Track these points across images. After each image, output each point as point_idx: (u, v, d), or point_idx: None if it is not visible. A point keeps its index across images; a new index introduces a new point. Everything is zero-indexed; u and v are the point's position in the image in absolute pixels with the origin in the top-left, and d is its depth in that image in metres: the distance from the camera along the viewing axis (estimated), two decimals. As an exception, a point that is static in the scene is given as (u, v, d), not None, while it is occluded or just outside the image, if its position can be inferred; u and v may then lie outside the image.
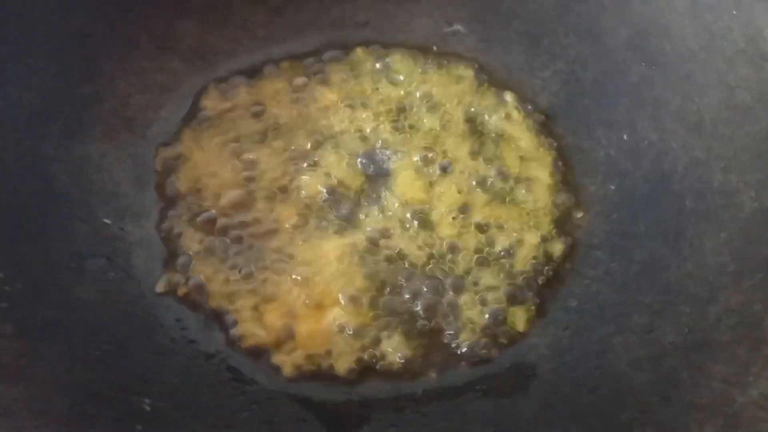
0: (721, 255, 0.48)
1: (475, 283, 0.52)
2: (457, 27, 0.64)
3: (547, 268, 0.53)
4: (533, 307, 0.51)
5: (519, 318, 0.51)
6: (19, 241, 0.47)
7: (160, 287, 0.51)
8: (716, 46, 0.53)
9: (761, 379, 0.41)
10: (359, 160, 0.57)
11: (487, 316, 0.50)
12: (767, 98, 0.50)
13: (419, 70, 0.62)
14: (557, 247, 0.54)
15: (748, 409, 0.40)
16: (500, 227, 0.54)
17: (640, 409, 0.43)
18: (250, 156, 0.57)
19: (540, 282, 0.52)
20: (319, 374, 0.48)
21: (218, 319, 0.50)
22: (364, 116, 0.59)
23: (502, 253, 0.53)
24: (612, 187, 0.56)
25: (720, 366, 0.43)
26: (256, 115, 0.59)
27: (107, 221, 0.52)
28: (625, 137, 0.57)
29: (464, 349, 0.49)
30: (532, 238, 0.54)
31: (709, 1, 0.54)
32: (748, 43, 0.52)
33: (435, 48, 0.63)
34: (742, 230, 0.48)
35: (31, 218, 0.48)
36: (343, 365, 0.48)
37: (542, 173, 0.57)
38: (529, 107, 0.60)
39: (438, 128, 0.59)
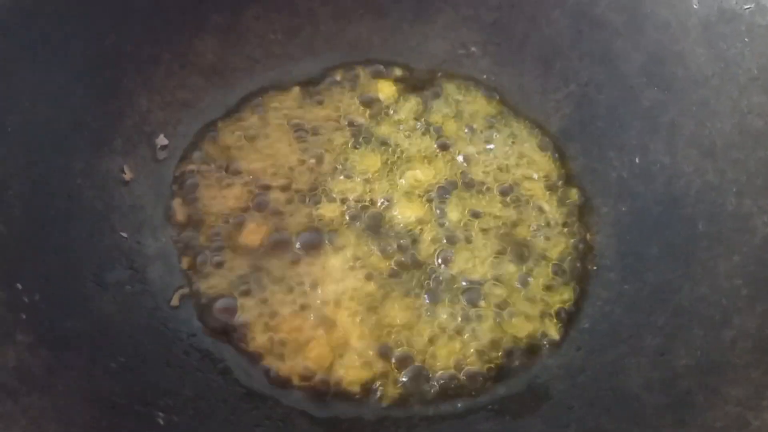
0: (735, 278, 0.48)
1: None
2: (473, 49, 0.65)
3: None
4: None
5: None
6: (41, 253, 0.47)
7: (175, 301, 0.51)
8: (729, 72, 0.54)
9: (776, 403, 0.41)
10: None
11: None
12: (780, 125, 0.51)
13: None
14: (573, 266, 0.55)
15: (763, 432, 0.40)
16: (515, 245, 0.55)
17: (654, 432, 0.43)
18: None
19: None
20: (332, 391, 0.48)
21: (232, 334, 0.50)
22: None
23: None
24: (624, 209, 0.56)
25: (735, 389, 0.42)
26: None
27: (124, 235, 0.53)
28: (637, 160, 0.57)
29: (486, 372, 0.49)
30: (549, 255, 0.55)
31: (722, 29, 0.54)
32: (761, 71, 0.52)
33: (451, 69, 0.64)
34: (755, 254, 0.48)
35: (55, 232, 0.49)
36: (357, 383, 0.48)
37: (554, 194, 0.58)
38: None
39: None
